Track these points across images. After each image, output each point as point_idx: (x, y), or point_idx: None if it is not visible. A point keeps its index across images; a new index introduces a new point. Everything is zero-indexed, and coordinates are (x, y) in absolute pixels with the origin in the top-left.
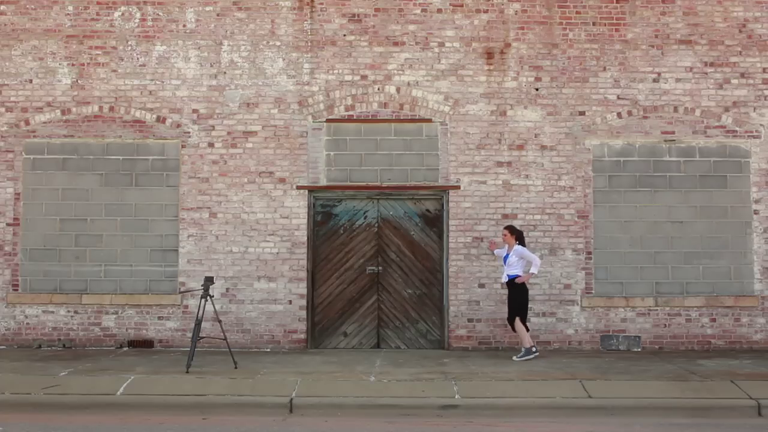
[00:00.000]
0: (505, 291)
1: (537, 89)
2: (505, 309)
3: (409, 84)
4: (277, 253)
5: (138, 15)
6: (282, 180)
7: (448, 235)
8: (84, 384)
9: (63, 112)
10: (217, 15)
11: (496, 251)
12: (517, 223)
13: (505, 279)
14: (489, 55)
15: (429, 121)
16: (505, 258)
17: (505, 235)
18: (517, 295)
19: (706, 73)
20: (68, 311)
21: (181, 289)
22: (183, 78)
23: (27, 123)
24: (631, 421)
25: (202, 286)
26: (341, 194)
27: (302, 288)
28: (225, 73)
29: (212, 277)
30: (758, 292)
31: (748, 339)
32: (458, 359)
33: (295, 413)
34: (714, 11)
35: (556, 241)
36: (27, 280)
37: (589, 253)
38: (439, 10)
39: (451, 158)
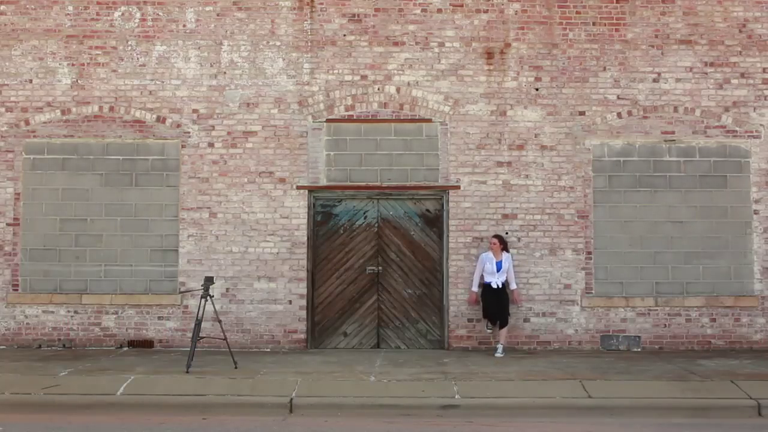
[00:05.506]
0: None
1: (537, 89)
2: None
3: (409, 84)
4: (277, 253)
5: (138, 15)
6: (282, 180)
7: (448, 235)
8: (84, 384)
9: (63, 112)
10: (217, 15)
11: (482, 255)
12: (517, 223)
13: (499, 285)
14: (489, 55)
15: (429, 121)
16: (498, 264)
17: (494, 244)
18: (507, 299)
19: (706, 73)
20: (68, 311)
21: (181, 289)
22: (183, 78)
23: (27, 123)
24: (631, 421)
25: (202, 286)
26: (341, 194)
27: (302, 288)
28: (225, 73)
29: (212, 277)
30: (758, 292)
31: (748, 339)
32: (458, 359)
33: (295, 413)
34: (714, 11)
35: (556, 241)
36: (27, 280)
37: (589, 253)
38: (439, 10)
39: (451, 158)
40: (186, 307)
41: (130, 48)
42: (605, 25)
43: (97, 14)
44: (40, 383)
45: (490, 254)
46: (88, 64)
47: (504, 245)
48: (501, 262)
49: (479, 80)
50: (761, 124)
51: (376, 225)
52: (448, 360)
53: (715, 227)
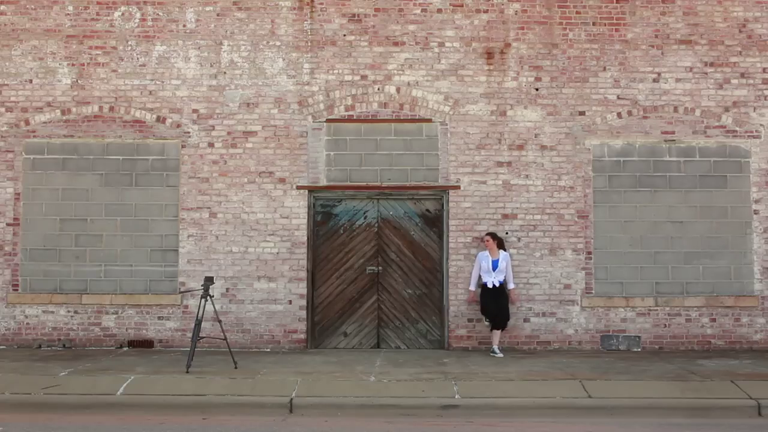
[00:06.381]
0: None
1: (537, 89)
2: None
3: (409, 84)
4: (277, 253)
5: (138, 15)
6: (282, 180)
7: (448, 235)
8: (84, 384)
9: (63, 112)
10: (217, 15)
11: (479, 254)
12: (517, 223)
13: (496, 284)
14: (489, 55)
15: (429, 121)
16: (494, 263)
17: (488, 241)
18: (506, 299)
19: (706, 73)
20: (68, 311)
21: (181, 289)
22: (183, 78)
23: (27, 123)
24: (631, 421)
25: (202, 286)
26: (341, 194)
27: (302, 288)
28: (225, 73)
29: (212, 277)
30: (758, 292)
31: (748, 339)
32: (458, 359)
33: (295, 413)
34: (714, 11)
35: (556, 241)
36: (27, 280)
37: (589, 253)
38: (439, 10)
39: (451, 158)
40: (186, 307)
41: (130, 48)
42: (605, 25)
43: (97, 14)
44: (40, 383)
45: (486, 253)
46: (88, 64)
47: (499, 242)
48: (498, 260)
49: (479, 80)
50: (761, 124)
51: (376, 225)
52: (448, 360)
53: (715, 227)
